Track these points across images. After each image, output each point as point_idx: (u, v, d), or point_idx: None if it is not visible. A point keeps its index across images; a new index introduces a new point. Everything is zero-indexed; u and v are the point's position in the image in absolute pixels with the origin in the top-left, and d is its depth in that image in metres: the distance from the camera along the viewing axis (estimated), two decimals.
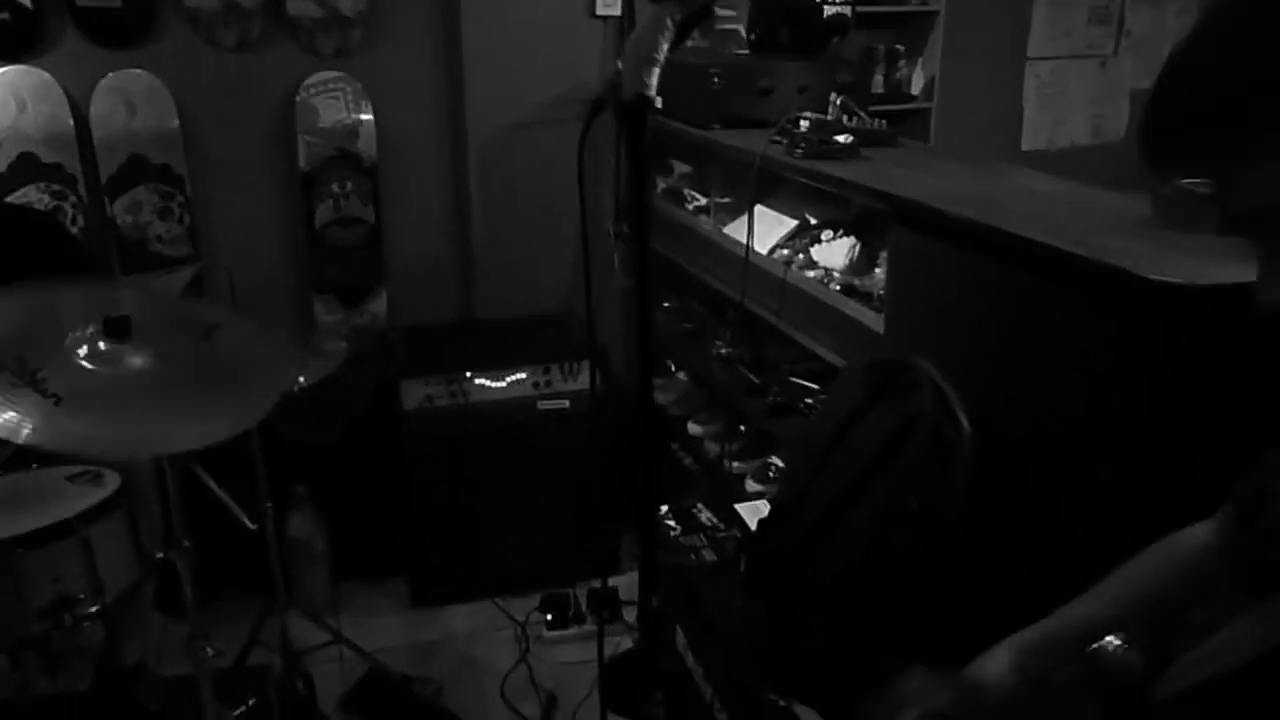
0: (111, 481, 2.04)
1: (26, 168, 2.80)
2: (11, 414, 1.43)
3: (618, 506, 2.95)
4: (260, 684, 2.39)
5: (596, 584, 2.85)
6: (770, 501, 2.27)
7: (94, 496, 1.98)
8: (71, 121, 2.81)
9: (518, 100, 3.08)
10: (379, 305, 3.18)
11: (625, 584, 2.85)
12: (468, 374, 2.81)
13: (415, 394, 2.77)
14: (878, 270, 2.13)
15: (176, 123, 2.89)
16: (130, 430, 1.54)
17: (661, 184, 3.17)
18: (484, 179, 3.14)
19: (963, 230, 1.63)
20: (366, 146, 3.06)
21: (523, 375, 2.85)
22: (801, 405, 2.51)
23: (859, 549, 1.53)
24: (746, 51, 2.95)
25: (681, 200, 3.01)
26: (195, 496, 2.01)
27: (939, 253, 1.73)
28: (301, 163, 3.01)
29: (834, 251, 2.25)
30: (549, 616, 2.77)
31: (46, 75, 2.77)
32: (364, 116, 3.03)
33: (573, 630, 2.75)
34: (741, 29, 3.20)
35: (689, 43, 3.11)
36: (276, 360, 1.92)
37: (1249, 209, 0.70)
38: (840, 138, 2.19)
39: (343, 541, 2.89)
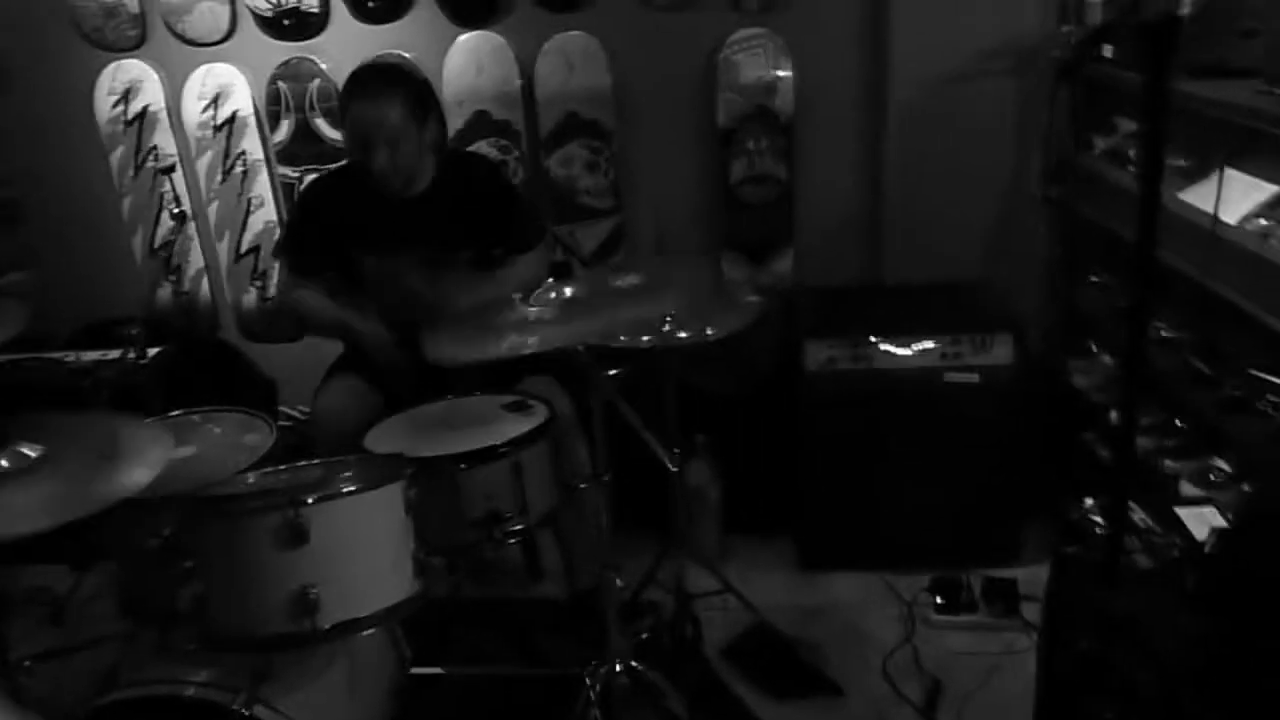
0: (540, 413, 2.21)
1: (481, 124, 3.11)
2: None
3: (1023, 493, 2.74)
4: (655, 619, 2.52)
5: (991, 571, 2.67)
6: (1226, 511, 1.97)
7: (524, 425, 2.16)
8: (519, 82, 3.07)
9: (945, 53, 2.91)
10: (785, 264, 3.18)
11: (1024, 576, 2.65)
12: (873, 338, 2.72)
13: (818, 355, 2.72)
14: None
15: (609, 80, 3.05)
16: None
17: (1101, 144, 2.84)
18: (903, 137, 3.00)
19: None
20: (784, 103, 3.04)
21: (930, 344, 2.71)
22: (1263, 403, 2.15)
23: None
24: None
25: (1125, 162, 2.68)
26: (614, 434, 2.11)
27: None
28: (720, 119, 3.06)
29: None
30: (939, 599, 2.63)
31: (500, 40, 3.04)
32: (783, 73, 3.02)
33: (963, 618, 2.59)
34: None
35: None
36: None
37: None
38: None
39: (735, 494, 2.94)
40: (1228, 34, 2.28)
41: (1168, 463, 2.46)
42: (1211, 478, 2.33)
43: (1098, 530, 1.92)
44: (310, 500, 1.58)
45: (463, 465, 2.01)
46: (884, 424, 2.72)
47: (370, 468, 1.78)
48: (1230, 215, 2.15)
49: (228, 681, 1.65)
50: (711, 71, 3.03)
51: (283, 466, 1.93)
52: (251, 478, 1.88)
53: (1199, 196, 2.31)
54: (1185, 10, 0.96)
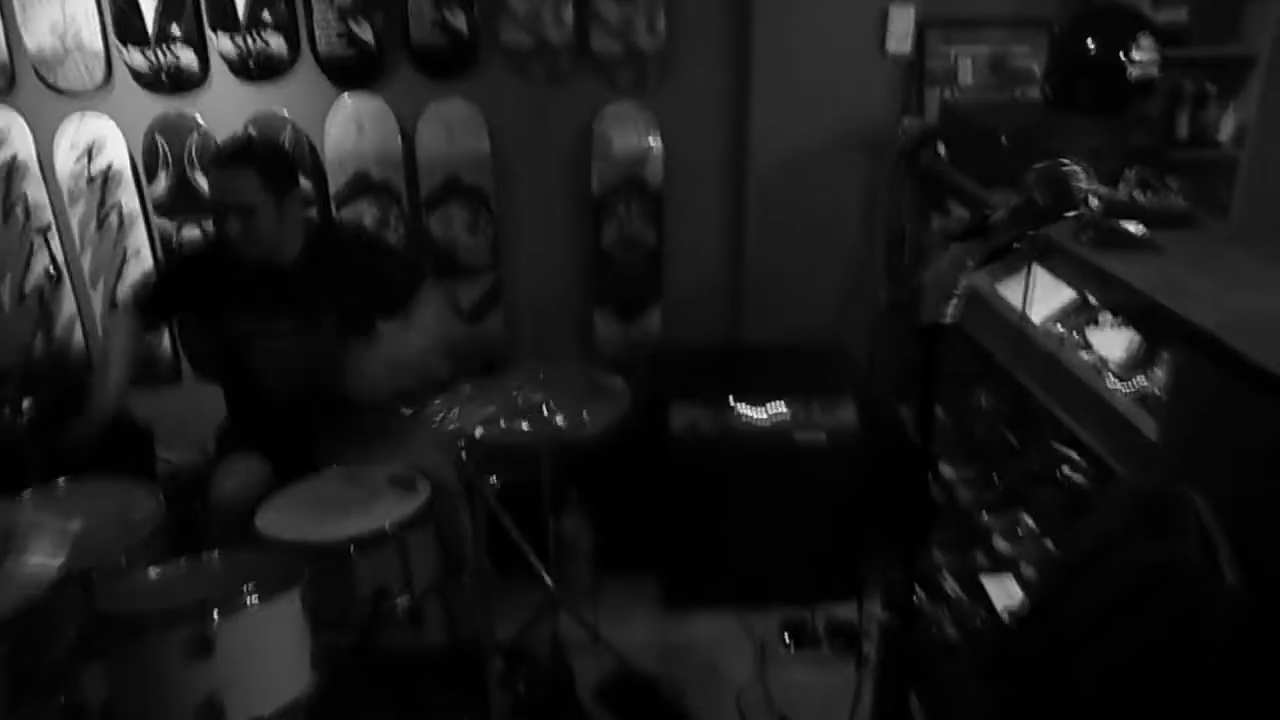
0: (424, 489, 2.37)
1: (360, 185, 3.20)
2: None
3: (865, 538, 3.05)
4: (531, 668, 2.73)
5: (837, 608, 2.99)
6: (1020, 581, 2.31)
7: (410, 505, 2.30)
8: (400, 144, 3.18)
9: (802, 133, 3.17)
10: (653, 322, 3.40)
11: (866, 613, 2.97)
12: (732, 402, 2.98)
13: (683, 418, 2.97)
14: (1158, 371, 2.08)
15: (488, 146, 3.20)
16: None
17: (937, 223, 3.16)
18: (762, 208, 3.26)
19: (1258, 376, 1.59)
20: (653, 173, 3.25)
21: (783, 407, 2.98)
22: (1059, 475, 2.50)
23: (1105, 679, 1.57)
24: (1039, 97, 2.89)
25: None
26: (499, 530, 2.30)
27: (1228, 386, 1.69)
28: (594, 186, 3.25)
29: (1113, 341, 2.21)
30: (787, 637, 2.93)
31: (382, 103, 3.14)
32: (653, 144, 3.22)
33: (809, 652, 2.90)
34: (1035, 67, 3.13)
35: (971, 81, 3.09)
36: None
37: None
38: (1132, 227, 2.14)
39: (607, 539, 3.17)
40: (1038, 153, 2.61)
41: (985, 516, 2.82)
42: (1019, 532, 2.69)
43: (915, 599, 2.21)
44: (216, 615, 1.72)
45: (352, 549, 2.17)
46: (742, 478, 2.99)
47: (268, 569, 1.91)
48: (1036, 314, 2.48)
49: None
50: (586, 141, 3.21)
51: (181, 560, 2.03)
52: (154, 571, 1.98)
53: (1014, 290, 2.64)
54: (948, 319, 1.20)
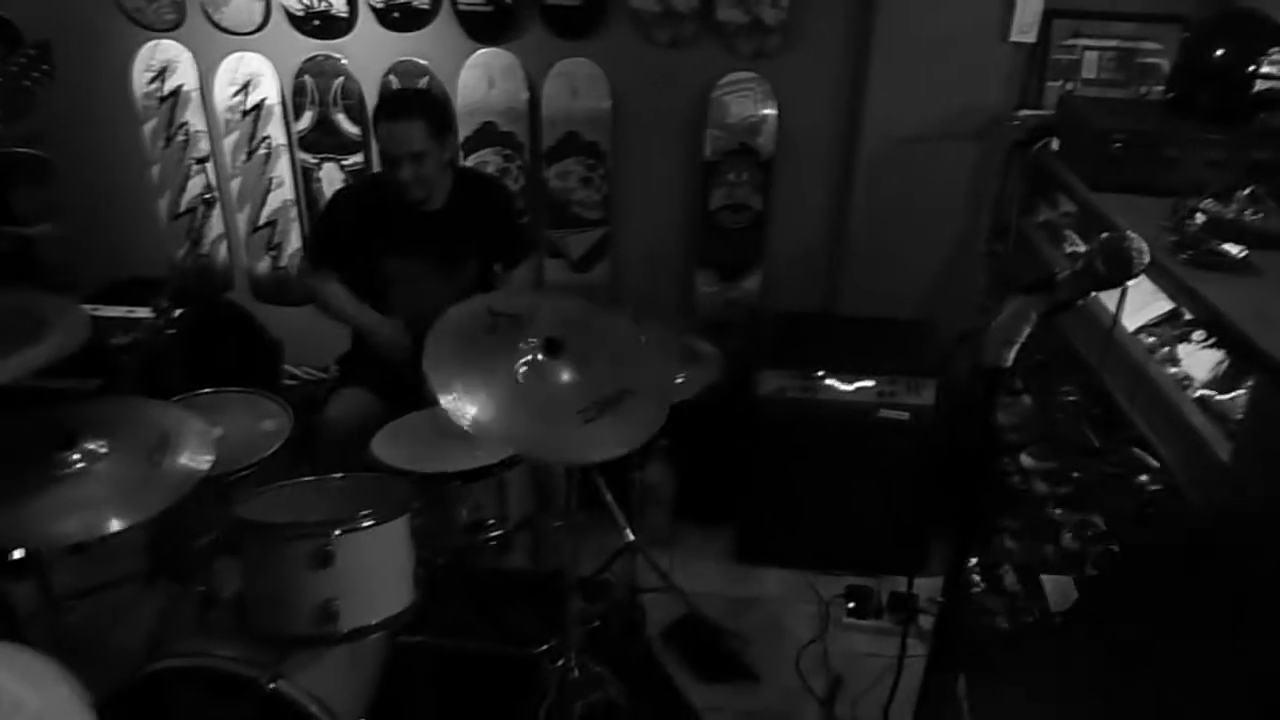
0: None
1: (487, 135, 3.38)
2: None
3: (934, 516, 3.15)
4: (607, 603, 2.94)
5: (900, 582, 3.11)
6: (1078, 584, 2.38)
7: None
8: (526, 98, 3.33)
9: (916, 116, 3.19)
10: (753, 284, 3.52)
11: (927, 587, 3.09)
12: (819, 373, 3.09)
13: (771, 383, 3.10)
14: (1241, 393, 2.12)
15: (609, 105, 3.32)
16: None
17: (1044, 214, 3.18)
18: (868, 184, 3.31)
19: None
20: (766, 142, 3.34)
21: (869, 383, 3.08)
22: (1135, 481, 2.55)
23: None
24: (1160, 95, 2.87)
25: (1059, 239, 3.02)
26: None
27: None
28: (706, 152, 3.35)
29: (1200, 359, 2.24)
30: (851, 604, 3.07)
31: (512, 57, 3.29)
32: (768, 114, 3.30)
33: (870, 622, 3.04)
34: (1164, 64, 3.08)
35: (1095, 75, 3.06)
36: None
37: None
38: (1232, 249, 2.16)
39: (688, 488, 3.34)
40: (1153, 159, 2.60)
41: (1057, 511, 2.89)
42: (1089, 533, 2.75)
43: (974, 588, 2.32)
44: (338, 532, 1.95)
45: (459, 482, 2.38)
46: (822, 447, 3.12)
47: (384, 496, 2.14)
48: (1130, 321, 2.51)
49: (256, 658, 2.03)
50: (703, 107, 3.30)
51: (308, 479, 2.28)
52: (285, 488, 2.23)
53: (1110, 295, 2.66)
54: (1007, 364, 1.31)
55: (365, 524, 1.99)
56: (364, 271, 2.84)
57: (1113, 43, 3.08)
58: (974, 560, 2.38)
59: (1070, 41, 3.08)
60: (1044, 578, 2.31)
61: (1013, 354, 1.34)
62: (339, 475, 2.29)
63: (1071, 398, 2.95)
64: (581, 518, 2.43)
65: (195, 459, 2.11)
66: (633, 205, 3.49)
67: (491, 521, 2.47)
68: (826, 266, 3.51)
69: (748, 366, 3.17)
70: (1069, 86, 3.10)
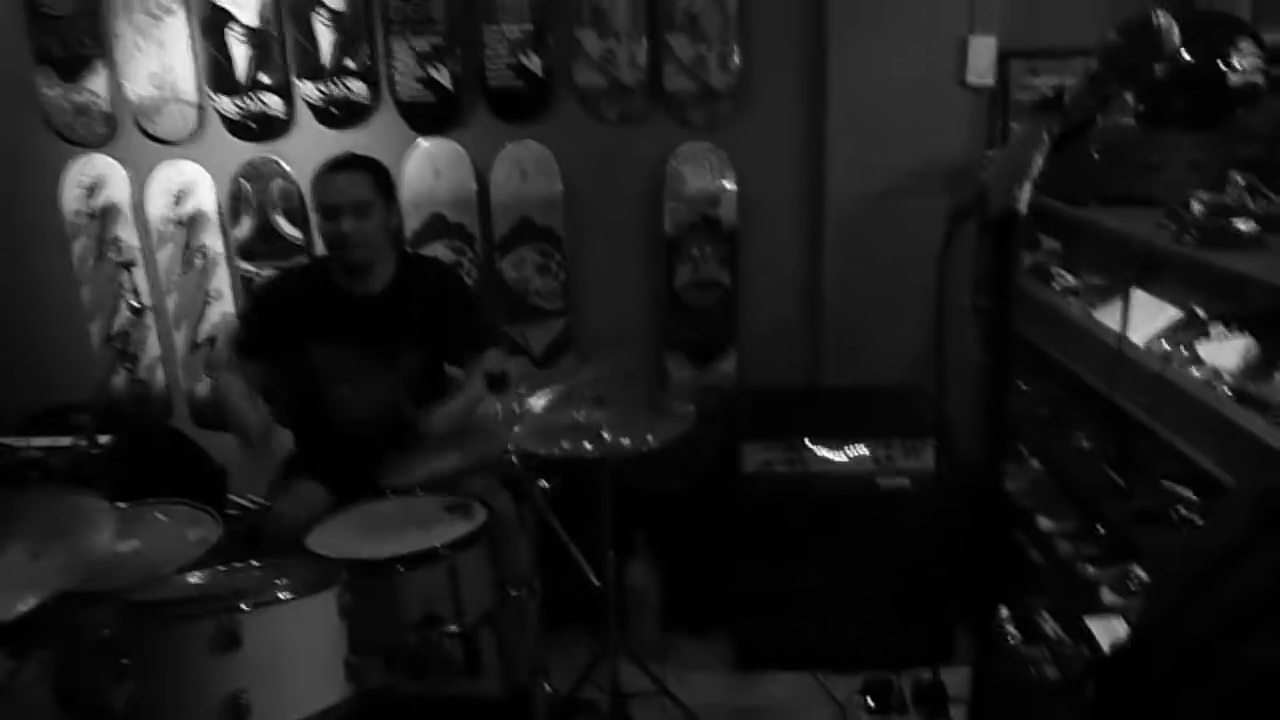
0: (479, 515, 2.27)
1: (435, 227, 3.22)
2: None
3: (954, 594, 2.81)
4: (590, 716, 2.54)
5: (924, 673, 2.73)
6: (1128, 621, 2.07)
7: (463, 527, 2.21)
8: (475, 187, 3.19)
9: (879, 168, 3.07)
10: (728, 365, 3.29)
11: (954, 679, 2.71)
12: (807, 442, 2.81)
13: (755, 458, 2.82)
14: (1279, 376, 1.88)
15: (560, 188, 3.18)
16: None
17: (1027, 259, 3.00)
18: (839, 246, 3.15)
19: None
20: (727, 213, 3.18)
21: (864, 450, 2.81)
22: (1173, 514, 2.26)
23: (1234, 706, 1.34)
24: (1131, 119, 2.74)
25: (1048, 278, 2.84)
26: (550, 538, 2.19)
27: None
28: (666, 227, 3.20)
29: (1226, 350, 2.01)
30: (870, 701, 2.68)
31: (458, 147, 3.17)
32: (727, 184, 3.16)
33: (893, 718, 2.65)
34: (1128, 96, 2.98)
35: None
36: None
37: None
38: (1240, 223, 1.97)
39: (675, 592, 3.00)
40: (1134, 167, 2.46)
41: (1090, 569, 2.57)
42: (1130, 586, 2.43)
43: (1010, 640, 2.00)
44: (245, 607, 1.63)
45: (401, 568, 2.06)
46: (818, 525, 2.80)
47: (306, 573, 1.83)
48: (1138, 336, 2.29)
49: None
50: (659, 182, 3.17)
51: (223, 567, 1.96)
52: (194, 577, 1.91)
53: (1110, 315, 2.46)
54: (1022, 208, 1.07)
55: (280, 596, 1.67)
56: (292, 366, 2.58)
57: (1072, 79, 2.98)
58: (1006, 611, 2.06)
59: (1030, 81, 2.99)
60: (1089, 619, 1.99)
61: (1026, 193, 1.10)
62: (256, 563, 1.97)
63: (1085, 444, 2.69)
64: (541, 600, 2.11)
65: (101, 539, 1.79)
66: (594, 291, 3.30)
67: (446, 617, 2.14)
68: (806, 340, 3.29)
69: (729, 448, 2.90)
70: None
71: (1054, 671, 1.90)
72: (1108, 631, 1.95)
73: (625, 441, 2.25)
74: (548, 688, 1.99)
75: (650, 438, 2.29)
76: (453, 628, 2.15)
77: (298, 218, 3.22)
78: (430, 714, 2.63)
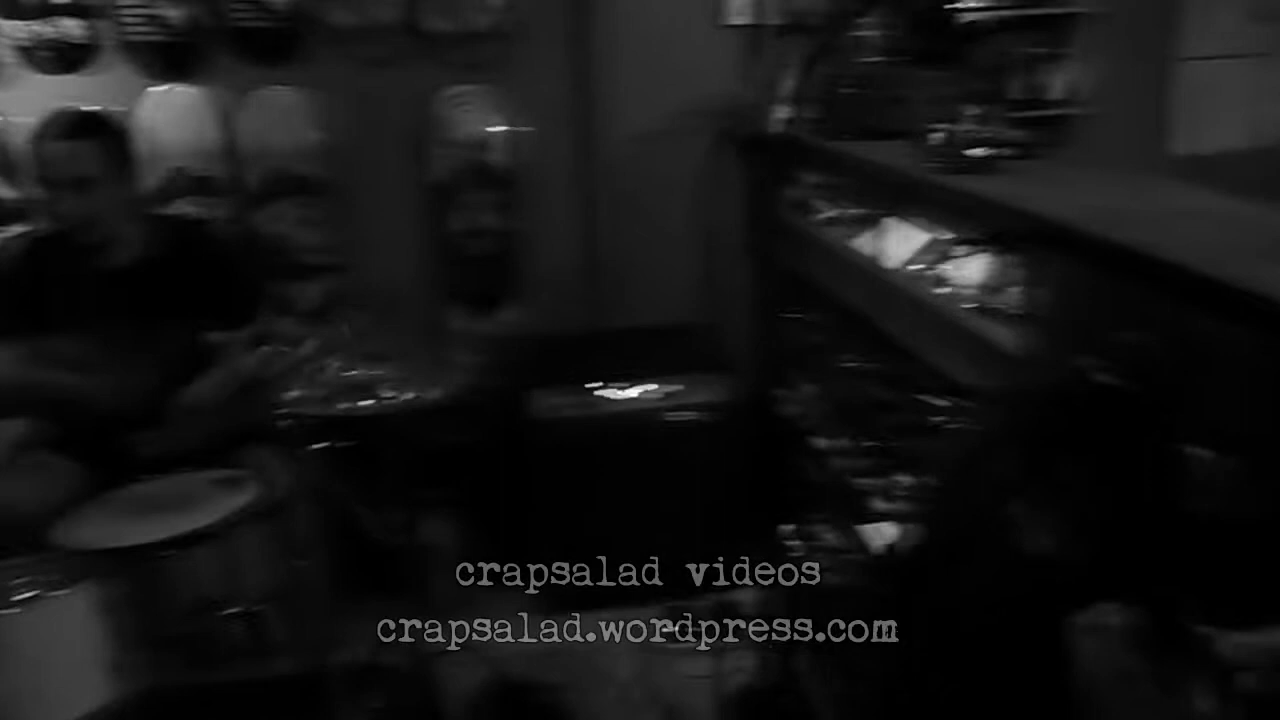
0: (251, 488, 2.13)
1: (178, 183, 2.96)
2: None
3: (744, 519, 2.92)
4: (391, 685, 2.48)
5: (719, 598, 2.84)
6: (902, 526, 2.21)
7: (234, 502, 2.06)
8: (220, 136, 2.95)
9: (651, 109, 3.08)
10: (511, 313, 3.24)
11: (748, 599, 2.84)
12: (597, 384, 2.83)
13: (545, 404, 2.80)
14: (1015, 287, 2.03)
15: (318, 136, 3.00)
16: None
17: (791, 194, 3.11)
18: (614, 188, 3.16)
19: (1109, 254, 1.53)
20: (500, 158, 3.11)
21: (652, 386, 2.85)
22: (930, 423, 2.43)
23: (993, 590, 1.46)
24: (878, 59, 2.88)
25: (809, 211, 2.95)
26: (338, 503, 2.08)
27: (1081, 277, 1.63)
28: (436, 174, 3.08)
29: (968, 268, 2.16)
30: (670, 629, 2.77)
31: (197, 93, 2.92)
32: (496, 128, 3.08)
33: (693, 644, 2.74)
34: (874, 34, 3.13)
35: None
36: None
37: None
38: (975, 151, 2.11)
39: (475, 544, 2.96)
40: (882, 102, 2.59)
41: (862, 481, 2.73)
42: (897, 493, 2.60)
43: (795, 554, 2.10)
44: None
45: (165, 553, 1.91)
46: (613, 466, 2.84)
47: (52, 570, 1.65)
48: (892, 260, 2.42)
49: None
50: (426, 127, 3.05)
51: None
52: None
53: (867, 243, 2.59)
54: (776, 129, 1.09)
55: (17, 598, 1.50)
56: (27, 360, 2.29)
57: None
58: (790, 527, 2.16)
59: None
60: (859, 529, 2.12)
61: (780, 113, 1.12)
62: None
63: (853, 365, 2.84)
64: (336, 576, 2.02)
65: None
66: (365, 243, 3.14)
67: (221, 600, 2.00)
68: (588, 284, 3.29)
69: (517, 397, 2.86)
70: None
71: (835, 578, 2.01)
72: (880, 537, 2.08)
73: (407, 396, 2.17)
74: (345, 658, 1.91)
75: (433, 391, 2.22)
76: (232, 609, 2.03)
77: (11, 176, 2.87)
78: (219, 703, 2.48)
